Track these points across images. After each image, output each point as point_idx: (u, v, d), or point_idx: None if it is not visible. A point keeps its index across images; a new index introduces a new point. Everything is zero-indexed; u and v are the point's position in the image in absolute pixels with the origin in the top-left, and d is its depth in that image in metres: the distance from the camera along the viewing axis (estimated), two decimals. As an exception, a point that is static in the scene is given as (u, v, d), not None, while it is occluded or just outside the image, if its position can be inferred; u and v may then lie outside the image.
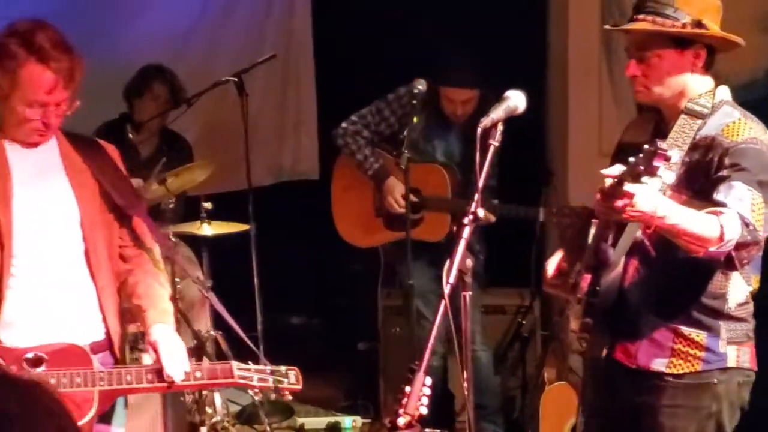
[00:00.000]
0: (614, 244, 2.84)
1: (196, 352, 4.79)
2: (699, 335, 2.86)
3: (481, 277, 4.71)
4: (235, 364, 2.99)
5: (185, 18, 6.08)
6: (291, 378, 3.01)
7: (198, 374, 2.98)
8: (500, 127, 2.77)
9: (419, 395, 2.39)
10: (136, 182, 4.65)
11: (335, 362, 5.81)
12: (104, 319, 3.08)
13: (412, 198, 4.53)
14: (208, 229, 4.99)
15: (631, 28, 2.87)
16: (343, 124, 4.75)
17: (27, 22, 2.98)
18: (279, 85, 6.16)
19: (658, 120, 2.98)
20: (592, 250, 2.86)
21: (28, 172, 3.06)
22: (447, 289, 2.48)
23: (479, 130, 2.70)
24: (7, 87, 2.94)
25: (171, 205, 4.97)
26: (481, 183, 2.68)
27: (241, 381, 2.98)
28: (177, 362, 2.95)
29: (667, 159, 2.47)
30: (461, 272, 2.52)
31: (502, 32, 5.39)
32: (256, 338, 5.16)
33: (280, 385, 2.98)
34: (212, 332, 5.00)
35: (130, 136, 5.26)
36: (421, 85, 4.18)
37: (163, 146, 5.52)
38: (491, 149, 2.72)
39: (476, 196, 2.63)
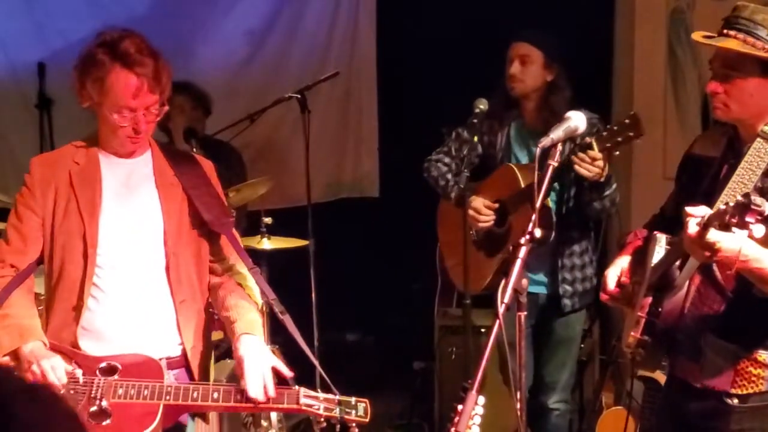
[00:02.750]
0: (681, 266, 2.80)
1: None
2: (762, 355, 2.80)
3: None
4: (303, 391, 2.94)
5: (251, 35, 6.15)
6: (359, 410, 2.93)
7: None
8: (560, 147, 2.76)
9: (471, 414, 2.37)
10: None
11: (390, 381, 5.79)
12: (181, 336, 3.08)
13: (492, 206, 4.25)
14: (267, 244, 5.03)
15: (722, 45, 2.81)
16: (428, 157, 4.52)
17: (114, 31, 3.03)
18: (341, 102, 6.20)
19: (732, 137, 2.92)
20: (658, 271, 2.82)
21: (119, 183, 3.11)
22: (501, 309, 2.46)
23: (538, 150, 2.68)
24: (96, 95, 2.99)
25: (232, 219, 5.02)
26: (539, 203, 2.66)
27: (306, 408, 2.92)
28: (259, 383, 2.89)
29: (761, 215, 2.35)
30: (516, 292, 2.50)
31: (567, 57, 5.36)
32: (312, 353, 5.18)
33: (346, 416, 2.91)
34: (269, 345, 5.03)
35: (194, 150, 5.33)
36: (482, 104, 4.06)
37: (212, 157, 5.56)
38: (550, 169, 2.70)
39: (533, 217, 2.61)
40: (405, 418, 5.53)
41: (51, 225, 3.07)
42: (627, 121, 3.75)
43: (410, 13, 6.06)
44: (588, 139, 3.82)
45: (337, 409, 2.91)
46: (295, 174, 5.70)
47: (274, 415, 4.77)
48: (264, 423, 4.77)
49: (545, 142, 2.71)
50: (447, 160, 4.44)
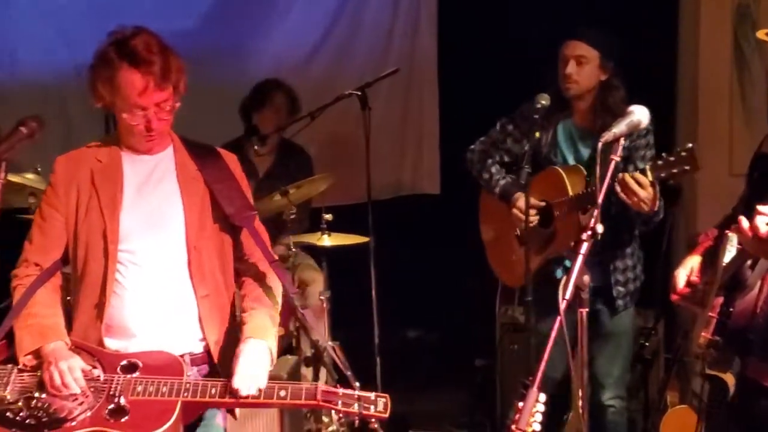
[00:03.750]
0: (752, 266, 2.75)
1: (313, 362, 4.85)
2: None
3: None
4: (321, 387, 2.93)
5: (312, 34, 6.18)
6: (379, 405, 2.91)
7: (282, 393, 2.92)
8: (623, 142, 2.72)
9: (532, 411, 2.35)
10: None
11: (452, 378, 5.78)
12: (203, 331, 3.08)
13: (539, 204, 4.21)
14: (327, 241, 5.05)
15: None
16: (471, 147, 4.53)
17: (125, 29, 3.04)
18: (402, 99, 6.19)
19: None
20: (729, 271, 2.78)
21: (141, 179, 3.12)
22: (563, 305, 2.44)
23: (600, 144, 2.66)
24: (108, 94, 3.02)
25: (292, 216, 5.05)
26: (600, 198, 2.63)
27: (324, 404, 2.92)
28: (247, 377, 2.90)
29: None
30: (578, 288, 2.48)
31: (631, 54, 5.29)
32: (373, 351, 5.19)
33: (365, 412, 2.90)
34: (330, 342, 5.05)
35: (256, 148, 5.38)
36: (544, 100, 4.01)
37: (283, 158, 5.62)
38: (612, 164, 2.67)
39: (595, 212, 2.58)
40: (466, 416, 5.51)
41: (74, 223, 3.09)
42: (683, 153, 3.69)
43: (471, 8, 6.04)
44: (643, 166, 3.80)
45: (356, 405, 2.91)
46: (355, 171, 5.70)
47: (339, 405, 4.78)
48: (325, 419, 4.79)
49: (608, 136, 2.68)
50: (491, 151, 4.43)
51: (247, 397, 2.90)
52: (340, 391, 2.92)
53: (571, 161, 4.25)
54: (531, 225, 4.13)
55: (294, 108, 5.58)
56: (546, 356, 2.41)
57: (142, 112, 2.99)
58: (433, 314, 6.16)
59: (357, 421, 2.95)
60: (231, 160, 3.25)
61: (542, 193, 4.21)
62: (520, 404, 2.37)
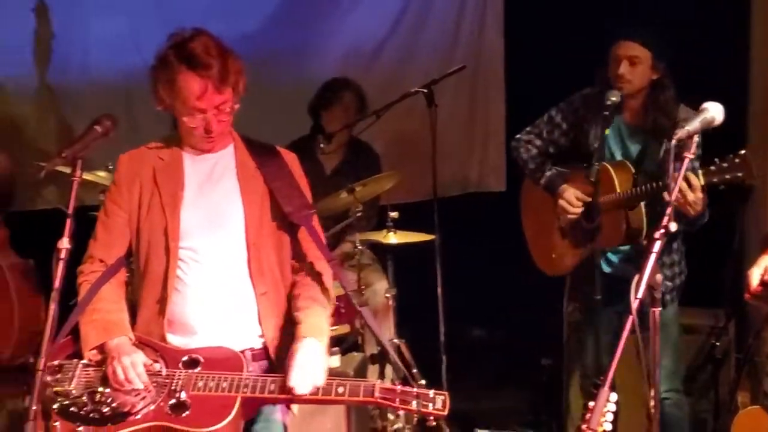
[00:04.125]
0: None
1: (380, 359, 4.86)
2: None
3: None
4: (379, 384, 2.93)
5: (378, 31, 6.18)
6: (437, 403, 2.89)
7: (340, 390, 2.93)
8: (696, 139, 2.69)
9: (603, 411, 2.32)
10: None
11: (518, 377, 5.75)
12: (261, 327, 3.10)
13: (585, 198, 4.26)
14: (393, 238, 5.05)
15: None
16: (517, 136, 4.59)
17: (184, 32, 3.07)
18: (468, 96, 6.17)
19: None
20: None
21: (201, 178, 3.15)
22: (635, 305, 2.41)
23: (674, 141, 2.62)
24: (168, 97, 3.05)
25: (359, 213, 5.06)
26: (673, 196, 2.60)
27: (382, 401, 2.91)
28: (305, 376, 2.91)
29: None
30: (651, 288, 2.45)
31: (702, 45, 5.21)
32: (438, 349, 5.18)
33: (423, 410, 2.89)
34: (396, 340, 5.05)
35: (322, 146, 5.40)
36: (614, 96, 4.03)
37: (351, 156, 5.64)
38: (686, 162, 2.63)
39: (668, 210, 2.55)
40: (533, 415, 5.47)
41: (137, 220, 3.13)
42: (736, 160, 3.65)
43: (537, 4, 5.99)
44: (696, 168, 3.75)
45: (415, 402, 2.89)
46: (421, 168, 5.69)
47: (397, 402, 4.78)
48: (391, 416, 4.79)
49: (681, 133, 2.65)
50: (538, 142, 4.46)
51: (303, 396, 2.90)
52: (399, 388, 2.92)
53: (619, 157, 4.27)
54: (574, 218, 4.25)
55: (362, 106, 5.60)
56: (618, 355, 2.38)
57: (201, 115, 3.03)
58: (499, 312, 6.13)
59: (415, 419, 2.93)
60: (290, 158, 3.27)
61: (590, 187, 4.20)
62: (591, 404, 2.34)
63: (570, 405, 4.97)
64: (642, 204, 4.08)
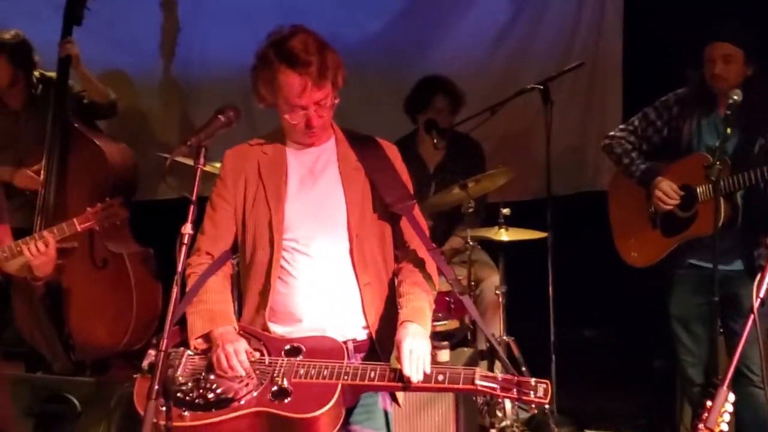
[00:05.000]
0: None
1: (488, 356, 4.85)
2: None
3: None
4: (479, 371, 2.91)
5: (495, 27, 6.14)
6: (539, 391, 2.86)
7: (440, 377, 2.91)
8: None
9: (721, 411, 2.28)
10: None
11: (629, 378, 5.66)
12: (366, 319, 3.12)
13: (679, 192, 4.49)
14: (504, 235, 5.04)
15: None
16: (610, 133, 4.78)
17: (284, 29, 3.11)
18: (584, 94, 6.08)
19: None
20: None
21: (304, 171, 3.19)
22: (756, 303, 2.36)
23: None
24: (269, 95, 3.11)
25: (471, 209, 5.06)
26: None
27: (482, 388, 2.89)
28: (414, 362, 2.90)
29: None
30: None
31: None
32: (548, 347, 5.14)
33: (524, 397, 2.87)
34: (505, 337, 5.04)
35: (435, 141, 5.41)
36: (736, 95, 4.14)
37: (455, 151, 5.62)
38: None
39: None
40: (645, 417, 5.38)
41: (242, 213, 3.18)
42: None
43: (657, 3, 5.88)
44: None
45: (515, 390, 2.88)
46: (535, 166, 5.66)
47: (508, 405, 4.77)
48: (499, 414, 4.79)
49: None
50: (632, 138, 4.66)
51: (411, 381, 2.91)
52: (500, 376, 2.91)
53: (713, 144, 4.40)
54: (670, 208, 4.50)
55: (456, 104, 5.57)
56: (738, 354, 2.33)
57: (302, 112, 3.08)
58: (611, 313, 6.04)
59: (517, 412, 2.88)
60: (391, 150, 3.29)
61: (683, 177, 4.48)
62: (708, 403, 2.30)
63: (683, 409, 4.88)
64: (738, 194, 4.32)
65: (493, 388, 2.89)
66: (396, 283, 3.18)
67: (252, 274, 3.17)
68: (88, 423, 4.80)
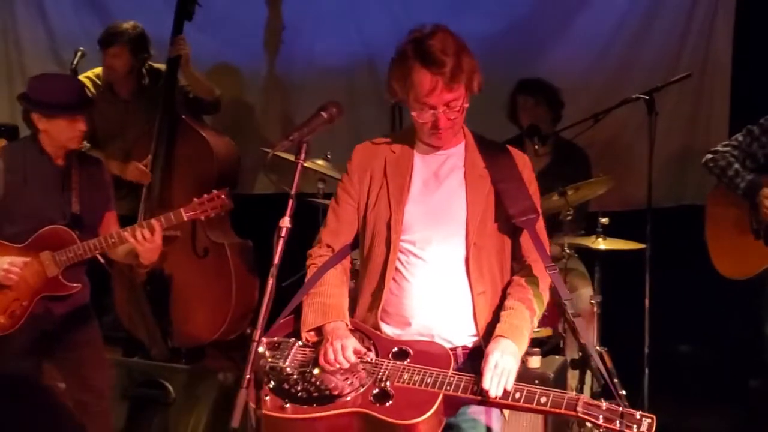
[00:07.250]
0: None
1: (581, 365, 4.81)
2: None
3: None
4: (584, 399, 2.85)
5: (603, 35, 6.06)
6: (643, 425, 2.77)
7: (543, 399, 2.85)
8: None
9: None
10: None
11: (723, 397, 5.54)
12: (476, 327, 3.10)
13: None
14: (602, 245, 4.99)
15: None
16: (713, 148, 4.79)
17: (425, 27, 3.10)
18: (690, 105, 5.96)
19: None
20: None
21: (429, 173, 3.19)
22: None
23: None
24: (401, 91, 3.10)
25: (569, 217, 5.02)
26: None
27: (585, 416, 2.83)
28: (496, 377, 2.88)
29: None
30: None
31: None
32: (642, 361, 5.07)
33: (627, 430, 2.77)
34: (598, 347, 4.98)
35: (536, 147, 5.38)
36: None
37: (560, 158, 5.58)
38: None
39: None
40: (738, 439, 5.28)
41: (364, 210, 3.21)
42: None
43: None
44: None
45: (618, 422, 2.79)
46: (636, 176, 5.58)
47: (600, 419, 4.70)
48: (588, 423, 4.72)
49: None
50: (736, 153, 4.69)
51: (495, 398, 2.88)
52: (604, 404, 2.84)
53: None
54: None
55: (554, 108, 5.53)
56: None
57: (431, 111, 3.07)
58: (708, 329, 5.92)
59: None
60: (521, 159, 3.25)
61: None
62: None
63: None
64: None
65: (596, 417, 2.82)
66: (505, 295, 3.15)
67: (368, 272, 3.19)
68: (181, 410, 4.91)
